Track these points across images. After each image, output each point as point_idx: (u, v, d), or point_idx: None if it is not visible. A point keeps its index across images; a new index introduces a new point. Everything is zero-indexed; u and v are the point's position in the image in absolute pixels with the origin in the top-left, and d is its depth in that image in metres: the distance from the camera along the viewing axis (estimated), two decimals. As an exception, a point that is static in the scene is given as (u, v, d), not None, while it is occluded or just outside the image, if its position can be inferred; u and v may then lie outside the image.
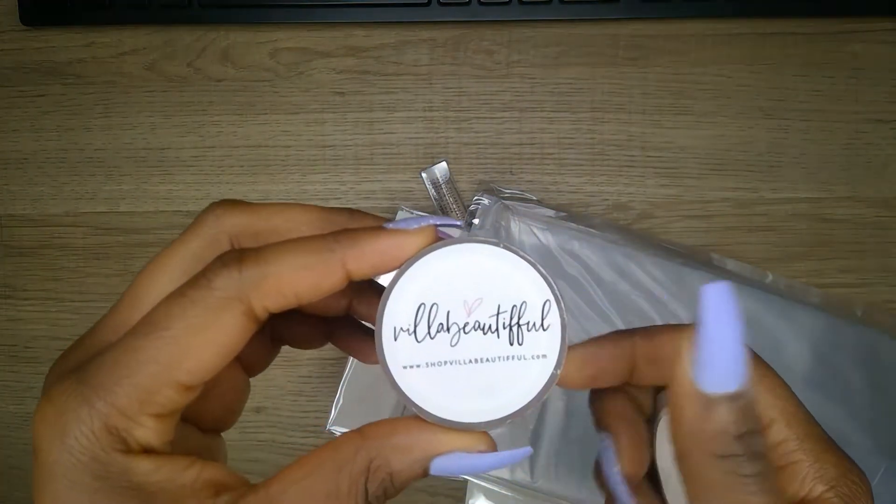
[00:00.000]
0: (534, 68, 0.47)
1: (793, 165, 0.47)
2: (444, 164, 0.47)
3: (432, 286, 0.19)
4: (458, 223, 0.20)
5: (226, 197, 0.48)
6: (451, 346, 0.19)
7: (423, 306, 0.19)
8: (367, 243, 0.19)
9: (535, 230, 0.43)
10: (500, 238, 0.43)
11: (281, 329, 0.25)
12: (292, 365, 0.48)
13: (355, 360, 0.39)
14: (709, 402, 0.18)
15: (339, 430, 0.41)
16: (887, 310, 0.46)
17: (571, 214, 0.44)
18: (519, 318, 0.19)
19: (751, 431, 0.18)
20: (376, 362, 0.19)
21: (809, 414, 0.21)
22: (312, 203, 0.22)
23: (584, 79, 0.47)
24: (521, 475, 0.42)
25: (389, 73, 0.47)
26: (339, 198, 0.47)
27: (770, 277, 0.44)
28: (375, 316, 0.19)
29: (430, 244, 0.19)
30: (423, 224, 0.19)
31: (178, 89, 0.48)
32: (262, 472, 0.47)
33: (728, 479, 0.18)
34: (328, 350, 0.30)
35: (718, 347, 0.18)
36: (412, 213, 0.43)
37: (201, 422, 0.23)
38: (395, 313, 0.19)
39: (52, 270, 0.48)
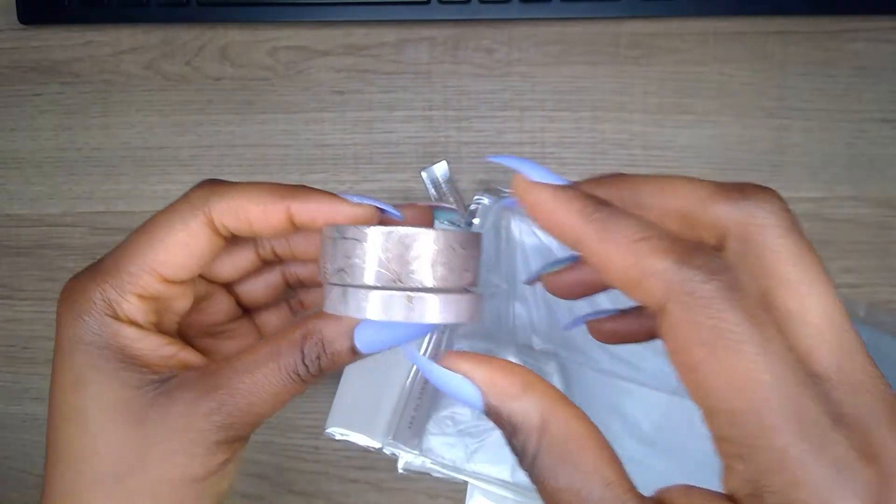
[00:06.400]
0: (534, 67, 0.47)
1: (795, 165, 0.47)
2: (444, 163, 0.46)
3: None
4: (398, 214, 0.24)
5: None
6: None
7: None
8: (311, 199, 0.24)
9: (536, 230, 0.43)
10: (501, 238, 0.43)
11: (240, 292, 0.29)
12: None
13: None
14: None
15: (337, 431, 0.40)
16: (890, 310, 0.46)
17: (572, 214, 0.44)
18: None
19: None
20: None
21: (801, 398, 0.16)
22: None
23: (584, 77, 0.47)
24: (522, 475, 0.41)
25: (389, 71, 0.47)
26: (339, 197, 0.47)
27: (772, 277, 0.44)
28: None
29: (368, 220, 0.24)
30: (364, 201, 0.24)
31: (176, 88, 0.47)
32: (261, 474, 0.47)
33: None
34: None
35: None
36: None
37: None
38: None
39: (49, 270, 0.48)
